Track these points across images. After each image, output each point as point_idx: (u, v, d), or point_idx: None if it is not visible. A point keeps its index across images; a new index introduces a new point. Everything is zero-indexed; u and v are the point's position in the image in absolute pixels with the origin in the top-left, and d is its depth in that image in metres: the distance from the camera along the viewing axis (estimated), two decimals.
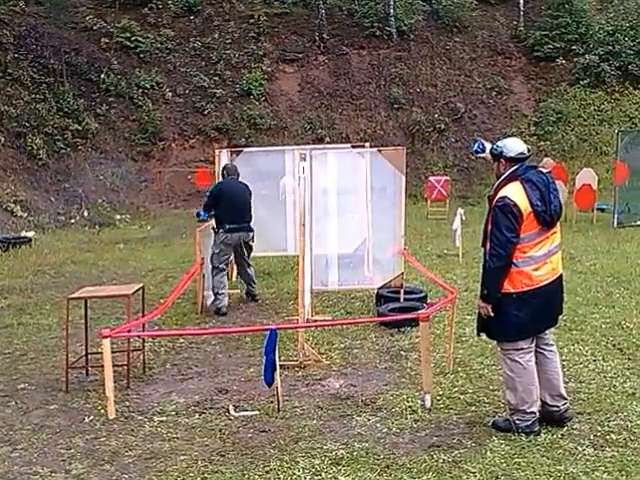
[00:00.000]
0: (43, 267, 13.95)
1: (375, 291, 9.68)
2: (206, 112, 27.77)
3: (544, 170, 5.55)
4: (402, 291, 9.32)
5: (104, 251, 16.12)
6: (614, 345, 7.47)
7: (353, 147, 11.68)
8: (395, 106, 28.82)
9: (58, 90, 26.35)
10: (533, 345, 5.46)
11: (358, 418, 5.87)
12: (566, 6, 30.44)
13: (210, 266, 10.05)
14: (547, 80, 29.60)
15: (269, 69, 28.95)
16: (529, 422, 5.38)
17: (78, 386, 6.92)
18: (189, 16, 30.39)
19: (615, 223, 16.90)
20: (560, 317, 5.77)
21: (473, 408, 5.96)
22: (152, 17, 29.91)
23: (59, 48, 27.17)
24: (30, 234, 17.64)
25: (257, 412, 6.10)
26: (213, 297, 10.00)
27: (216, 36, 29.63)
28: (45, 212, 21.86)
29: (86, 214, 22.47)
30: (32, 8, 29.07)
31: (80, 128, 25.87)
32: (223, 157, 11.42)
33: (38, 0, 29.77)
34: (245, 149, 13.31)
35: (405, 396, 6.28)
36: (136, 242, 17.30)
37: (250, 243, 10.36)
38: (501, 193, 5.34)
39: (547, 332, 5.59)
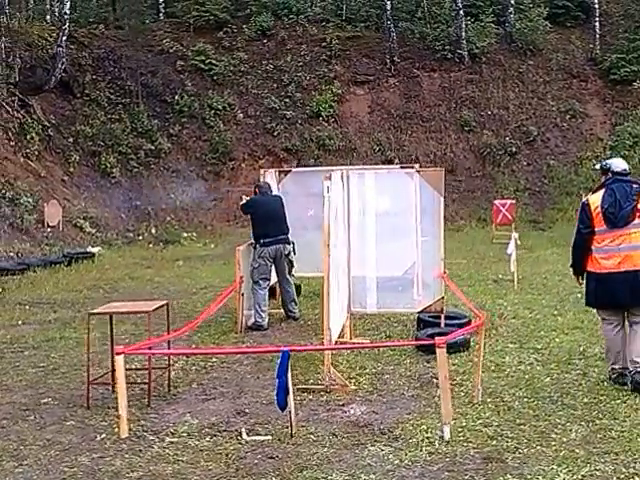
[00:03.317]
0: (100, 282, 14.08)
1: (417, 315, 9.35)
2: (276, 133, 27.87)
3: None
4: (443, 316, 8.96)
5: (163, 268, 16.21)
6: None
7: (402, 168, 11.39)
8: (466, 128, 28.37)
9: (133, 111, 26.92)
10: (615, 318, 6.82)
11: (371, 448, 5.56)
12: None
13: (251, 282, 9.92)
14: (624, 103, 28.66)
15: (339, 91, 28.87)
16: (614, 375, 6.87)
17: (101, 402, 6.80)
18: (262, 40, 30.60)
19: None
20: None
21: (494, 442, 5.57)
22: (227, 41, 30.25)
23: (136, 70, 27.80)
24: (95, 249, 17.92)
25: (269, 437, 5.86)
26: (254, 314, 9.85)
27: (288, 59, 29.74)
28: (114, 228, 22.24)
29: (154, 231, 22.75)
30: (111, 32, 29.85)
31: (153, 148, 26.34)
32: (269, 178, 11.25)
33: (117, 25, 30.46)
34: (294, 169, 13.13)
35: (425, 426, 5.94)
36: (196, 260, 17.35)
37: (290, 257, 10.18)
38: (588, 196, 6.99)
39: (638, 313, 6.72)
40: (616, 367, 6.85)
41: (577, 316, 9.62)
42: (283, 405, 5.85)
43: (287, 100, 28.70)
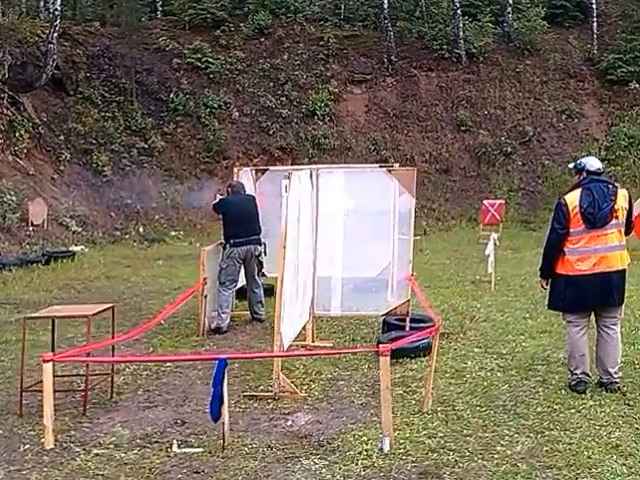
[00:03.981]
0: (74, 282, 13.75)
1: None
2: (271, 132, 27.50)
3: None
4: (408, 319, 8.59)
5: (143, 267, 15.89)
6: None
7: (381, 167, 11.03)
8: (462, 128, 27.97)
9: (127, 109, 26.58)
10: (582, 321, 6.58)
11: (305, 461, 5.21)
12: None
13: (217, 283, 9.60)
14: (620, 104, 28.23)
15: (336, 90, 28.48)
16: (573, 382, 6.56)
17: (35, 411, 6.44)
18: (260, 38, 30.20)
19: None
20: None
21: (435, 455, 5.22)
22: (224, 39, 29.85)
23: (131, 68, 27.45)
24: (77, 248, 17.59)
25: (201, 449, 5.51)
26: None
27: (285, 57, 29.35)
28: (102, 227, 21.90)
29: (141, 230, 22.43)
30: (107, 29, 29.50)
31: (146, 146, 25.99)
32: (244, 177, 10.90)
33: (114, 22, 30.16)
34: (271, 168, 12.75)
35: (367, 438, 5.58)
36: (178, 259, 17.01)
37: (260, 259, 9.84)
38: (564, 195, 6.64)
39: (609, 315, 6.57)
40: (578, 372, 6.57)
41: (548, 319, 9.24)
42: (217, 416, 5.51)
43: (283, 99, 28.32)
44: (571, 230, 6.44)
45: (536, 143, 27.83)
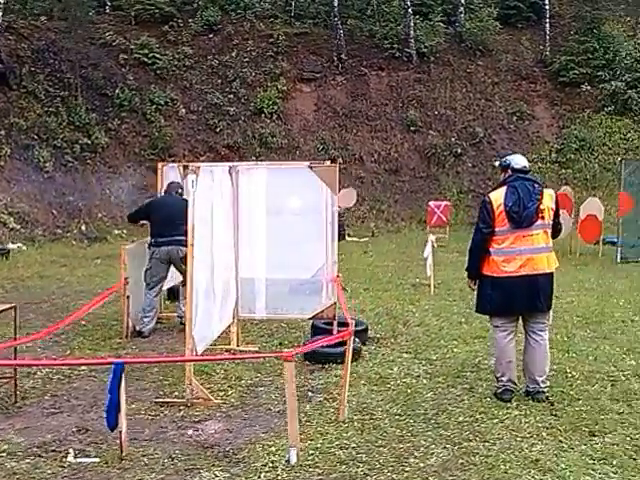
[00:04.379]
0: (4, 281, 13.28)
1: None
2: (218, 129, 27.15)
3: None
4: (335, 323, 8.34)
5: (80, 266, 15.46)
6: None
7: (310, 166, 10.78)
8: (412, 128, 27.91)
9: (71, 104, 25.97)
10: (510, 325, 6.40)
11: (205, 474, 4.94)
12: (594, 31, 29.37)
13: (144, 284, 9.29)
14: (571, 106, 28.46)
15: (284, 88, 28.21)
16: (499, 390, 6.40)
17: None
18: (208, 34, 29.83)
19: (618, 258, 15.67)
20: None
21: (343, 468, 4.98)
22: (172, 35, 29.42)
23: (76, 63, 26.86)
24: (13, 246, 17.07)
25: (97, 460, 5.21)
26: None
27: (234, 54, 29.02)
28: (43, 225, 21.35)
29: (83, 228, 21.91)
30: (54, 23, 28.81)
31: (90, 142, 25.42)
32: (171, 173, 10.53)
33: (61, 17, 29.45)
34: (204, 165, 12.39)
35: (276, 448, 5.33)
36: (116, 258, 16.52)
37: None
38: (489, 193, 6.46)
39: (537, 321, 6.39)
40: (504, 379, 6.40)
41: (483, 324, 9.04)
42: (113, 424, 5.19)
43: (231, 96, 28.00)
44: (496, 229, 6.27)
45: (486, 144, 27.88)
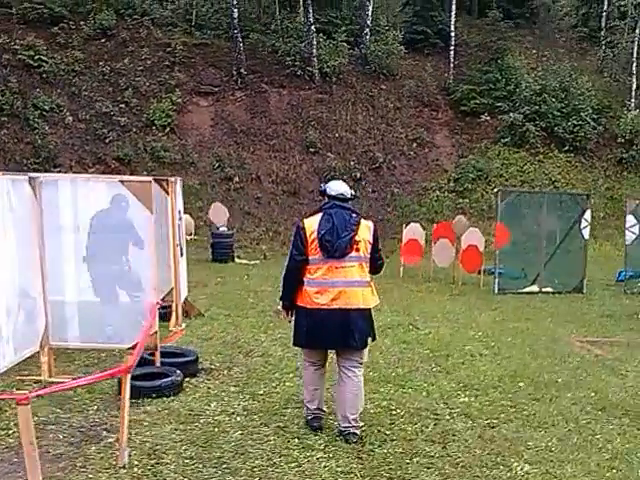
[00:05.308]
0: None
1: None
2: (107, 140, 26.51)
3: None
4: (157, 353, 7.98)
5: None
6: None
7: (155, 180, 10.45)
8: (311, 150, 27.84)
9: None
10: (321, 362, 6.39)
11: None
12: (498, 62, 30.00)
13: None
14: (470, 136, 28.95)
15: (179, 100, 27.78)
16: (309, 417, 6.44)
17: None
18: (102, 39, 29.20)
19: (496, 289, 15.84)
20: None
21: None
22: (62, 37, 28.66)
23: None
24: None
25: None
26: None
27: (127, 61, 28.49)
28: None
29: None
30: None
31: None
32: None
33: None
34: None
35: None
36: None
37: None
38: (304, 219, 6.32)
39: (350, 357, 6.23)
40: (312, 407, 6.42)
41: None
42: None
43: (122, 106, 27.41)
44: (310, 258, 6.12)
45: (386, 170, 28.02)
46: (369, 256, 6.25)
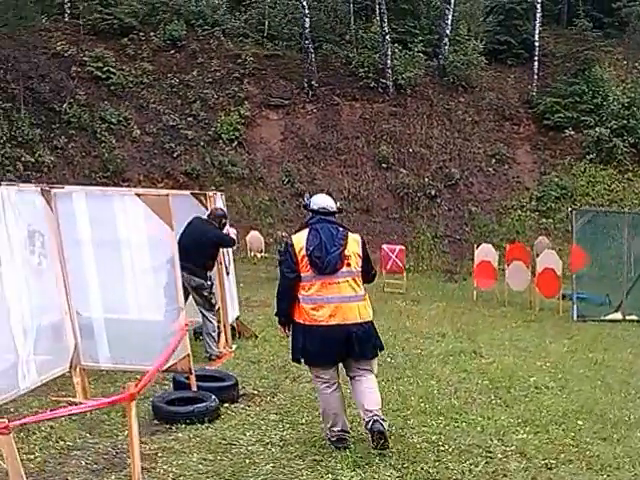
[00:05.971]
0: None
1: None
2: (175, 154, 26.85)
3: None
4: (193, 377, 7.80)
5: None
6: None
7: (193, 194, 10.41)
8: (383, 165, 27.63)
9: (13, 117, 25.70)
10: (330, 376, 6.34)
11: None
12: (585, 73, 29.25)
13: None
14: (554, 151, 28.27)
15: (248, 113, 28.00)
16: (333, 438, 6.35)
17: None
18: (171, 51, 29.72)
19: (575, 316, 15.26)
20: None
21: None
22: (131, 49, 29.34)
23: (23, 73, 26.59)
24: None
25: None
26: None
27: (195, 73, 28.87)
28: None
29: None
30: (1, 29, 28.55)
31: (34, 160, 25.11)
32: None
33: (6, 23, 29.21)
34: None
35: None
36: None
37: (201, 292, 9.65)
38: (292, 235, 6.46)
39: (359, 367, 6.30)
40: (335, 430, 6.35)
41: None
42: None
43: (190, 119, 27.81)
44: (302, 275, 6.20)
45: (463, 187, 27.60)
46: (360, 270, 6.32)
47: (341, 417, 6.35)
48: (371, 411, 6.20)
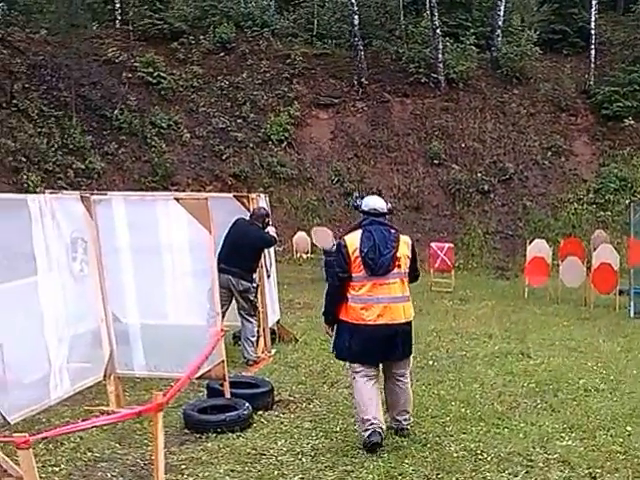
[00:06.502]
0: None
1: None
2: (224, 157, 26.87)
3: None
4: (227, 384, 7.67)
5: None
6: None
7: (235, 196, 10.26)
8: (435, 162, 27.23)
9: (65, 124, 25.97)
10: (372, 372, 6.54)
11: None
12: None
13: None
14: (613, 142, 27.47)
15: (298, 114, 27.87)
16: (366, 433, 6.39)
17: None
18: (221, 53, 29.79)
19: (632, 312, 14.77)
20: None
21: None
22: (181, 53, 29.48)
23: (75, 80, 26.88)
24: None
25: None
26: None
27: (245, 75, 28.87)
28: None
29: None
30: (54, 37, 28.95)
31: (84, 167, 25.33)
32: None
33: (49, 28, 29.55)
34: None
35: None
36: None
37: (247, 295, 9.62)
38: (345, 236, 6.63)
39: (399, 368, 6.65)
40: (369, 417, 6.48)
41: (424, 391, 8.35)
42: None
43: (240, 121, 27.78)
44: (353, 275, 6.41)
45: (517, 182, 27.02)
46: (408, 271, 6.62)
47: (375, 407, 6.46)
48: (399, 421, 6.73)
